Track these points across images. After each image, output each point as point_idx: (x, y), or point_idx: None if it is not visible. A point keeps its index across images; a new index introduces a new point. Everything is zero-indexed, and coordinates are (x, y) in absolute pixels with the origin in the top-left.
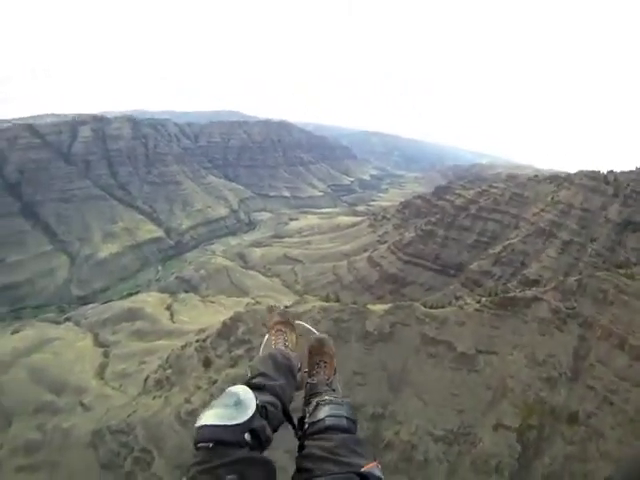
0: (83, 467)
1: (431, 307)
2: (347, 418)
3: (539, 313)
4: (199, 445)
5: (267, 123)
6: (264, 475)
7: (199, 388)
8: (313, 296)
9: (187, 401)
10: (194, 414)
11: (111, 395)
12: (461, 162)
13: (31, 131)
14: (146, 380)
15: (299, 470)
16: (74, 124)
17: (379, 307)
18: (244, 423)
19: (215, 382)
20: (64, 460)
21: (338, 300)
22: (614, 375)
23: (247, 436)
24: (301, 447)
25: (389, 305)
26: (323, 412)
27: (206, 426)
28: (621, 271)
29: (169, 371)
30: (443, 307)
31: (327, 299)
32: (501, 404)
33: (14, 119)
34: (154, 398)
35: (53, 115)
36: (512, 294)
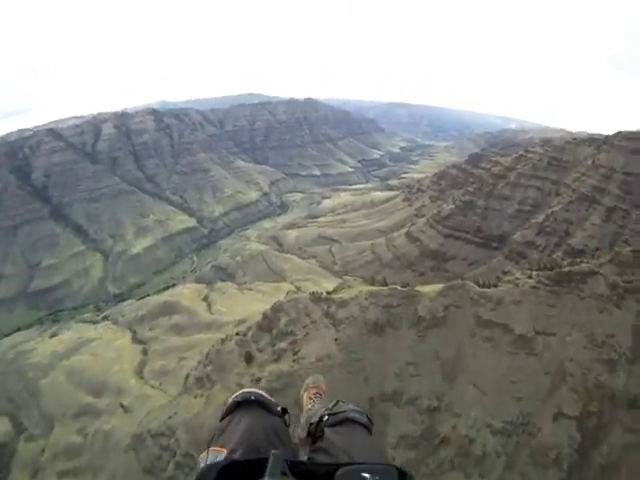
0: (124, 471)
1: (483, 285)
2: (367, 416)
3: (596, 288)
4: (249, 401)
5: (291, 102)
6: (289, 444)
7: (241, 386)
8: (352, 276)
9: None
10: None
11: (151, 395)
12: (489, 128)
13: (53, 135)
14: (186, 378)
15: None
16: (96, 123)
17: (429, 288)
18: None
19: (259, 380)
20: (105, 464)
21: (385, 282)
22: None
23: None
24: (319, 436)
25: (441, 286)
26: (344, 407)
27: (255, 392)
28: None
29: (209, 367)
30: (496, 285)
31: (372, 281)
32: (560, 390)
33: (36, 127)
34: (195, 397)
35: (74, 117)
36: (567, 268)
